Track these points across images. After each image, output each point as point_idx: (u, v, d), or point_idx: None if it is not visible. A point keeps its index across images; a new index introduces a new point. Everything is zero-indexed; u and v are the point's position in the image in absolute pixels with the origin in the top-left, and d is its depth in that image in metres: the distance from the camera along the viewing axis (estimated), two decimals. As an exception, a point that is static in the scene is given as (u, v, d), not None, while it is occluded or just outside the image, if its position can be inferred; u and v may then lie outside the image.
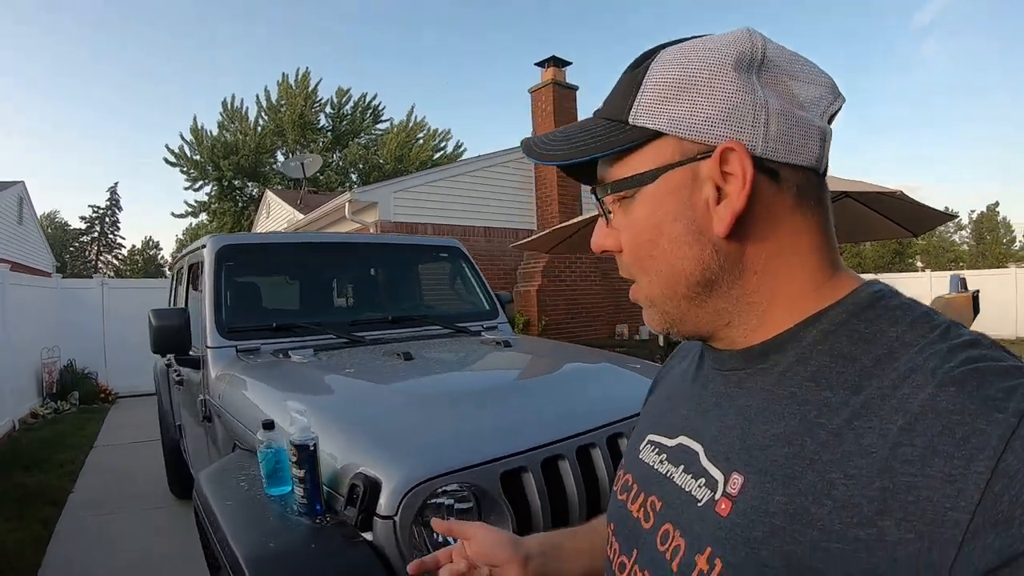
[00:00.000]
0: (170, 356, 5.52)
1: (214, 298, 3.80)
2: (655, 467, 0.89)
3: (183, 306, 4.03)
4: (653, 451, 0.92)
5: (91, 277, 16.81)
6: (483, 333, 4.35)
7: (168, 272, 10.12)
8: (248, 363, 3.47)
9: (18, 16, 76.04)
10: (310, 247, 4.50)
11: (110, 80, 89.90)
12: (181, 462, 5.77)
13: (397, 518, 1.87)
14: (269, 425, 2.21)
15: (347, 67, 79.83)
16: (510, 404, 2.61)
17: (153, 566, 4.88)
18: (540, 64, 13.87)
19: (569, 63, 13.90)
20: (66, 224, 64.13)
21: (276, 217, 20.52)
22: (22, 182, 21.56)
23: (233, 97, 36.34)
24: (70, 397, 12.03)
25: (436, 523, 1.16)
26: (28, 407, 10.99)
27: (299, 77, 35.65)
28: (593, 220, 9.13)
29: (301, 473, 2.01)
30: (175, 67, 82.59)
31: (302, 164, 16.43)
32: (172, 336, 3.71)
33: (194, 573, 4.43)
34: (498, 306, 4.81)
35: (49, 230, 58.36)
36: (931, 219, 7.25)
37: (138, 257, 68.45)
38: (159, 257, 70.34)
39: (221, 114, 36.09)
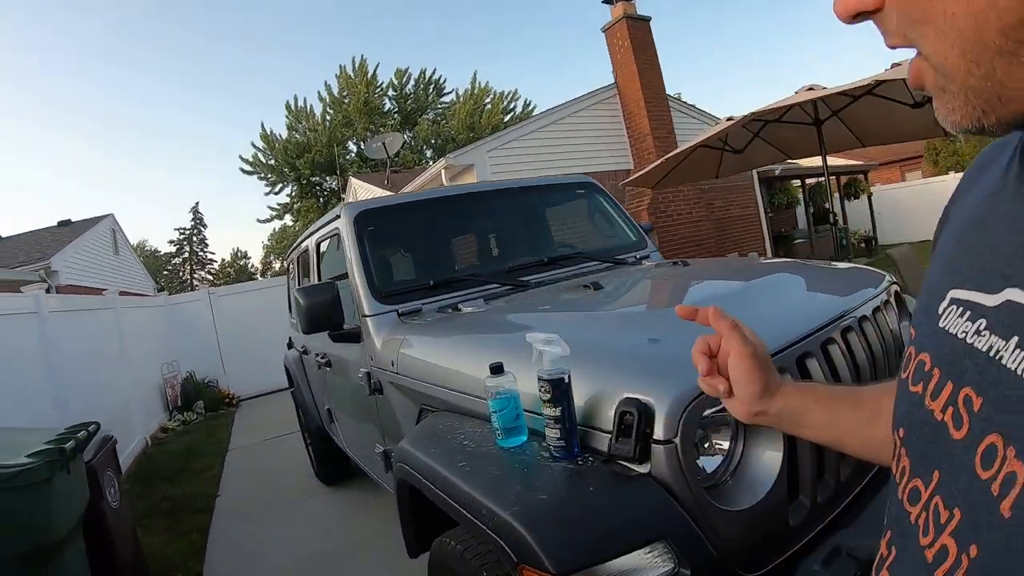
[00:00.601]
0: (304, 343, 5.46)
1: (362, 264, 3.60)
2: (968, 341, 0.57)
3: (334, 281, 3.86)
4: (962, 315, 0.60)
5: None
6: (643, 262, 4.07)
7: (283, 268, 10.09)
8: (417, 324, 3.26)
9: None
10: (446, 201, 4.25)
11: (169, 103, 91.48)
12: (330, 449, 5.65)
13: (678, 440, 1.63)
14: (498, 369, 1.97)
15: (400, 49, 79.37)
16: (739, 312, 2.33)
17: (323, 560, 4.70)
18: (607, 1, 13.35)
19: (637, -7, 13.35)
20: (156, 251, 65.90)
21: (365, 201, 20.14)
22: (111, 214, 22.17)
23: (296, 98, 36.73)
24: (195, 407, 12.27)
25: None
26: (157, 423, 11.20)
27: (357, 66, 35.91)
28: (692, 151, 8.89)
29: (556, 412, 1.76)
30: (229, 79, 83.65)
31: (384, 144, 16.35)
32: (325, 312, 3.49)
33: (372, 560, 4.42)
34: (644, 235, 4.51)
35: (141, 258, 60.12)
36: None
37: (229, 269, 70.10)
38: (249, 265, 71.93)
39: (287, 116, 36.86)
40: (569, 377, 1.78)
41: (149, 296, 18.71)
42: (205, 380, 13.16)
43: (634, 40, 12.94)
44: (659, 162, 9.20)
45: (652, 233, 4.70)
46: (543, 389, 1.77)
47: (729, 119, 7.70)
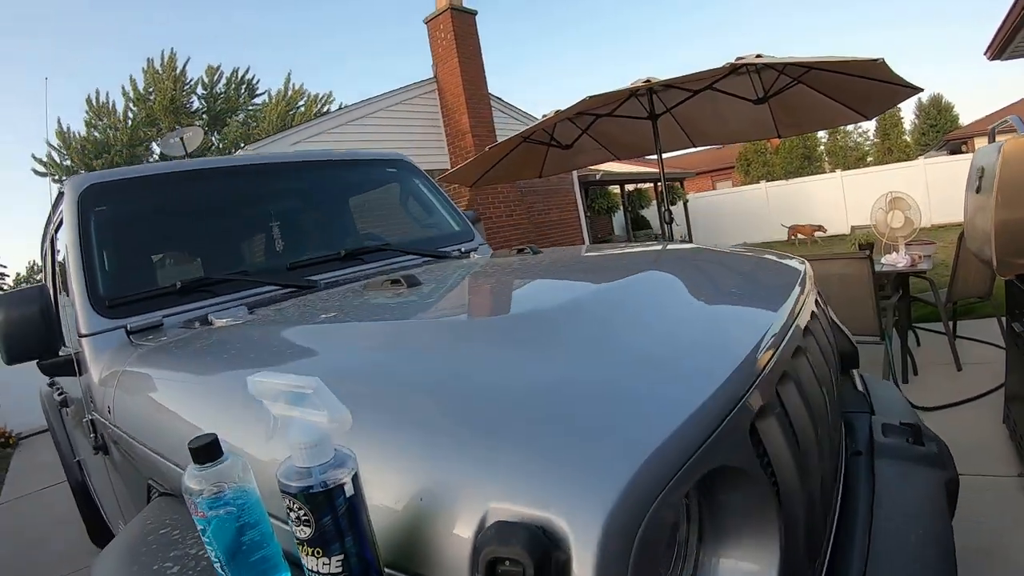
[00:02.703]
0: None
1: (83, 261, 2.56)
2: None
3: (43, 284, 2.80)
4: None
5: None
6: (471, 255, 3.25)
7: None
8: (149, 347, 2.21)
9: None
10: (212, 175, 3.19)
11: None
12: (95, 508, 4.34)
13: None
14: (207, 453, 1.00)
15: (212, 44, 75.17)
16: (649, 325, 1.47)
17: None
18: (431, -8, 12.62)
19: (463, -13, 12.65)
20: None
21: (162, 206, 18.62)
22: None
23: (97, 92, 33.64)
24: None
25: None
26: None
27: (165, 60, 33.47)
28: (515, 146, 8.22)
29: (324, 558, 0.87)
30: (20, 71, 76.78)
31: (182, 139, 14.75)
32: (28, 331, 2.46)
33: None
34: (470, 224, 3.69)
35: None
36: (888, 97, 6.71)
37: (25, 284, 64.57)
38: (47, 277, 66.62)
39: (87, 112, 33.75)
40: (355, 480, 0.89)
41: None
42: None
43: (458, 33, 12.27)
44: (479, 156, 8.46)
45: (479, 224, 3.88)
46: (291, 508, 0.87)
47: (558, 111, 7.08)
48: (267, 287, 2.68)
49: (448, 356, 1.36)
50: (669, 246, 2.68)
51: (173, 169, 3.06)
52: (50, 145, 32.91)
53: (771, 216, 23.59)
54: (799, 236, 20.65)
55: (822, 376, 1.68)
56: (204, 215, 3.15)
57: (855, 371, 2.61)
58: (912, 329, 6.56)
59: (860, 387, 2.49)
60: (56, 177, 33.02)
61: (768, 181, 25.68)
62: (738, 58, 5.89)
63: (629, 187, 20.41)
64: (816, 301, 2.07)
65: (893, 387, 2.72)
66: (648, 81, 6.55)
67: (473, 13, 12.73)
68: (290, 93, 35.80)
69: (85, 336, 2.41)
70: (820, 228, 20.41)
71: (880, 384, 2.65)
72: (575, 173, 15.58)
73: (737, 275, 2.16)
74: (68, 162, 32.72)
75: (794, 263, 2.29)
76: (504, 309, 1.87)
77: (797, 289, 1.90)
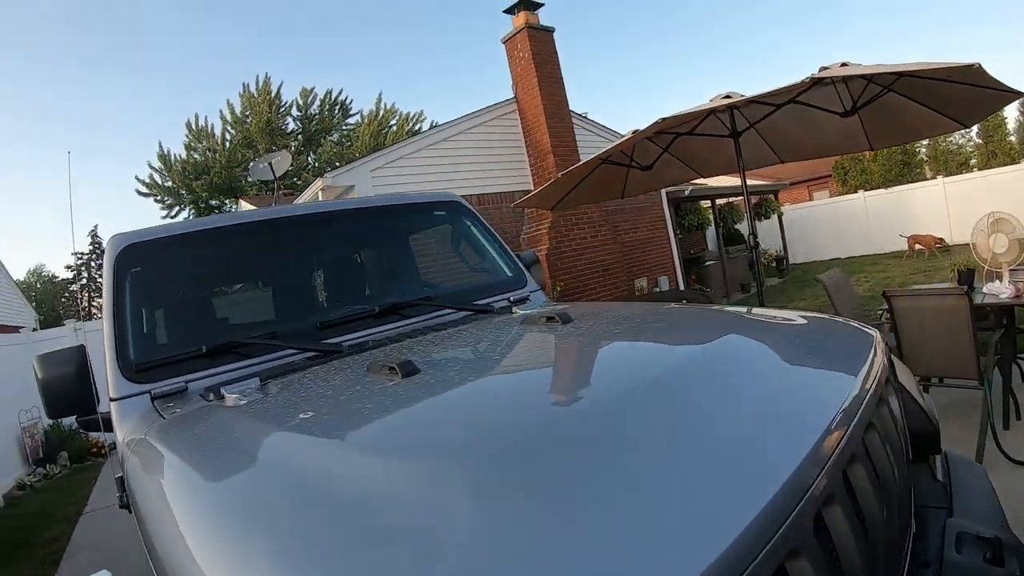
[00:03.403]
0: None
1: (116, 325, 2.60)
2: None
3: (81, 344, 2.81)
4: None
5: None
6: (514, 308, 3.08)
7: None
8: (166, 419, 2.20)
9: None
10: (250, 228, 3.15)
11: (66, 125, 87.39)
12: None
13: None
14: None
15: (306, 68, 77.16)
16: (711, 413, 1.39)
17: None
18: (509, 11, 12.49)
19: (541, 4, 12.47)
20: (54, 277, 62.88)
21: (255, 227, 19.01)
22: None
23: (197, 117, 34.99)
24: (59, 459, 11.09)
25: None
26: (13, 478, 10.19)
27: (260, 85, 34.59)
28: (599, 164, 8.02)
29: None
30: (131, 98, 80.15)
31: (270, 164, 15.12)
32: (66, 389, 2.56)
33: None
34: (523, 269, 3.53)
35: (38, 285, 57.42)
36: (989, 103, 6.08)
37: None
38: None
39: (187, 135, 35.25)
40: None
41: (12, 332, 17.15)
42: (72, 427, 11.59)
43: (535, 51, 12.08)
44: (556, 180, 8.27)
45: (536, 266, 3.71)
46: None
47: (635, 132, 6.84)
48: (292, 350, 2.60)
49: (370, 500, 1.21)
50: (727, 309, 2.47)
51: (211, 225, 3.04)
52: (152, 167, 34.30)
53: (870, 227, 22.60)
54: (918, 247, 19.57)
55: (894, 461, 1.54)
56: (241, 271, 3.15)
57: (935, 455, 2.29)
58: (1016, 363, 5.86)
59: (940, 475, 2.17)
60: (157, 197, 34.40)
61: (866, 190, 24.57)
62: (821, 69, 5.52)
63: (720, 201, 19.87)
64: (889, 375, 1.84)
65: (983, 475, 2.34)
66: (728, 97, 6.26)
67: (551, 31, 12.51)
68: (382, 113, 36.44)
69: (113, 400, 2.45)
70: (940, 241, 19.30)
71: (967, 467, 2.29)
72: (664, 190, 15.19)
73: (801, 344, 1.99)
74: (169, 183, 34.09)
75: (865, 330, 2.07)
76: (546, 399, 1.70)
77: (867, 362, 1.73)
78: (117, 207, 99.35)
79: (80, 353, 2.66)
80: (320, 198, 10.44)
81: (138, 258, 2.81)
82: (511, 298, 3.23)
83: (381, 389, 1.86)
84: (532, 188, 11.95)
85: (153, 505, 1.64)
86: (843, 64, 5.38)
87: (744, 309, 2.47)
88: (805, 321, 2.26)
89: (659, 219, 15.71)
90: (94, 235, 61.32)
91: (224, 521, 1.30)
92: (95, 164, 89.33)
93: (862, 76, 5.83)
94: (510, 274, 3.46)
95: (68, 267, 62.03)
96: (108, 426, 2.60)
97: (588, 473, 1.16)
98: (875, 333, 2.04)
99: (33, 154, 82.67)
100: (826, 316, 2.32)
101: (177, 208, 35.02)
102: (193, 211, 34.68)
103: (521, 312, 2.91)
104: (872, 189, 24.87)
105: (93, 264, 61.18)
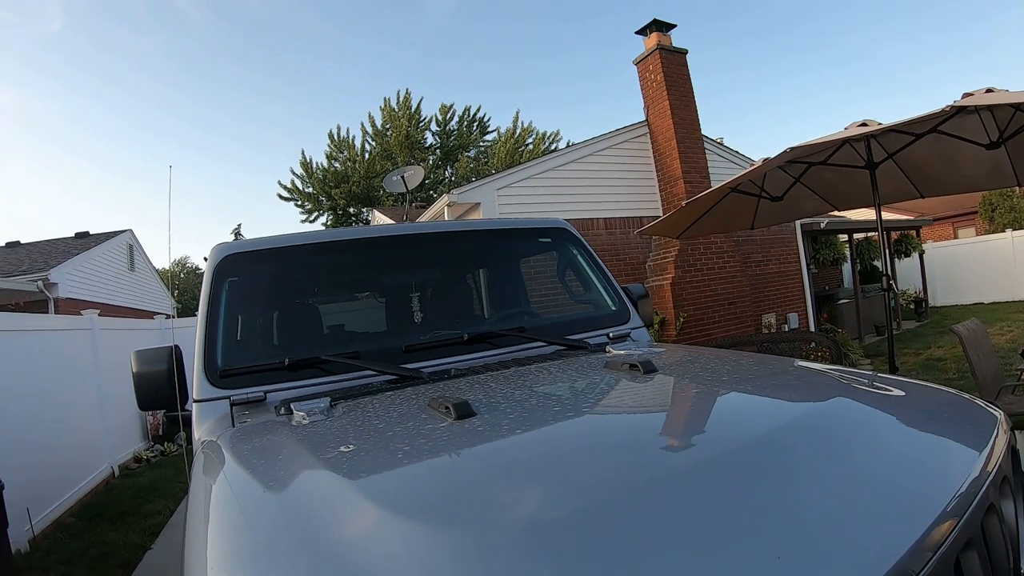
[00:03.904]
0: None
1: (207, 330, 2.69)
2: None
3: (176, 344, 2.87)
4: None
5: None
6: (610, 346, 2.92)
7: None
8: (237, 429, 2.27)
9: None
10: (351, 245, 3.16)
11: (217, 126, 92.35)
12: None
13: None
14: None
15: (446, 85, 78.82)
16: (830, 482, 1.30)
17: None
18: (641, 32, 12.34)
19: (673, 25, 12.27)
20: (197, 268, 66.71)
21: (387, 238, 19.39)
22: (130, 230, 22.32)
23: (339, 127, 36.42)
24: (176, 438, 11.71)
25: None
26: (131, 451, 10.83)
27: (401, 99, 35.60)
28: (726, 193, 7.73)
29: None
30: (275, 106, 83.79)
31: (403, 178, 15.44)
32: (157, 385, 2.68)
33: None
34: (627, 303, 3.37)
35: (182, 275, 60.96)
36: None
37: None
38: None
39: (329, 145, 36.78)
40: None
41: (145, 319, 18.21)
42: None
43: (668, 74, 11.84)
44: (681, 208, 8.04)
45: (644, 300, 3.54)
46: None
47: (765, 160, 6.55)
48: (370, 372, 2.58)
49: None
50: (838, 372, 2.26)
51: (309, 241, 3.08)
52: (294, 173, 35.76)
53: (1017, 270, 21.06)
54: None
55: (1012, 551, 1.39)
56: (334, 288, 3.17)
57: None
58: None
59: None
60: (298, 202, 35.81)
61: (1015, 229, 22.91)
62: (965, 95, 5.10)
63: (858, 236, 18.96)
64: (1010, 463, 1.62)
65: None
66: (864, 125, 5.90)
67: (683, 52, 12.24)
68: (519, 131, 36.76)
69: (196, 401, 2.55)
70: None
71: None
72: (798, 222, 14.58)
73: (914, 417, 1.80)
74: (310, 189, 35.40)
75: (989, 410, 1.84)
76: (588, 466, 1.52)
77: (989, 444, 1.56)
78: (259, 208, 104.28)
79: (172, 355, 2.73)
80: (446, 214, 10.54)
81: (236, 268, 2.88)
82: (610, 334, 3.08)
83: (429, 431, 1.78)
84: (661, 214, 11.67)
85: (197, 504, 1.72)
86: (988, 91, 4.97)
87: (856, 373, 2.24)
88: (921, 391, 2.04)
89: (792, 252, 15.09)
90: (237, 233, 64.77)
91: (227, 540, 1.38)
92: (241, 167, 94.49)
93: (1010, 104, 5.33)
94: (614, 308, 3.31)
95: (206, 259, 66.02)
96: (189, 423, 2.67)
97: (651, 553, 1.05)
98: (999, 414, 1.80)
99: (185, 154, 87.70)
100: (949, 390, 2.08)
101: (315, 213, 36.40)
102: (331, 217, 35.89)
103: (613, 352, 2.77)
104: (1021, 228, 23.28)
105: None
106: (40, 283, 15.45)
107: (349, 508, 1.36)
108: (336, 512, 1.34)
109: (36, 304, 15.94)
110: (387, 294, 3.40)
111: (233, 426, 2.30)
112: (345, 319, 3.27)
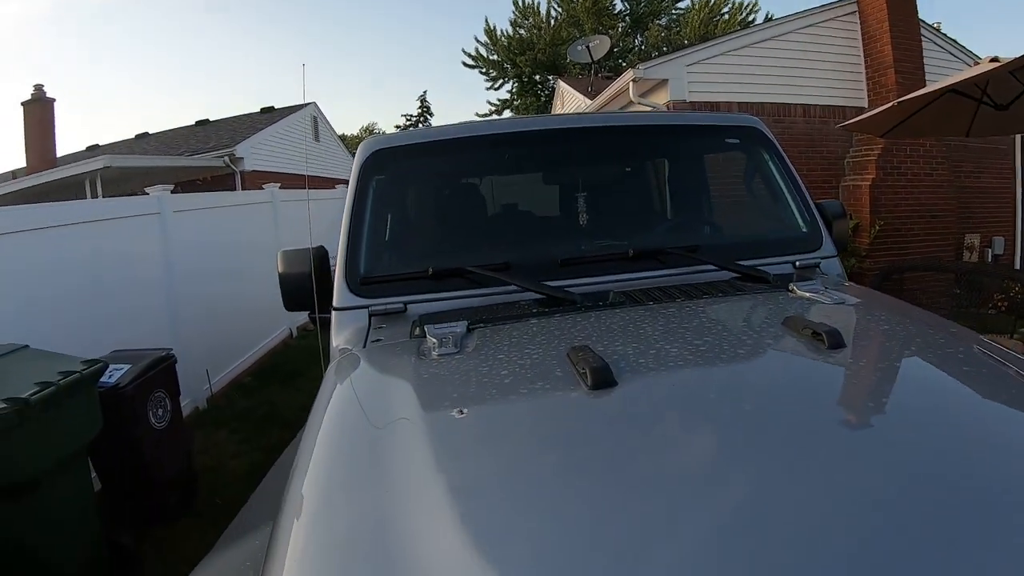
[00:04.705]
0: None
1: (351, 235, 2.59)
2: None
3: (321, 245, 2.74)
4: None
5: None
6: (794, 284, 2.38)
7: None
8: (372, 345, 2.20)
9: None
10: (503, 139, 2.84)
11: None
12: None
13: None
14: None
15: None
16: None
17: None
18: None
19: None
20: (383, 133, 68.63)
21: (570, 107, 19.53)
22: (314, 103, 23.11)
23: (525, -7, 35.63)
24: None
25: None
26: (308, 314, 11.08)
27: (589, -38, 34.01)
28: (943, 93, 6.82)
29: None
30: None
31: (588, 48, 14.94)
32: (300, 287, 2.61)
33: None
34: (820, 225, 2.86)
35: (366, 144, 63.16)
36: None
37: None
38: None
39: (514, 12, 36.24)
40: None
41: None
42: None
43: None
44: (891, 104, 7.16)
45: (841, 220, 2.99)
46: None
47: (994, 60, 5.68)
48: (519, 288, 2.35)
49: None
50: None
51: (463, 134, 2.85)
52: (478, 41, 35.56)
53: None
54: None
55: None
56: (486, 188, 2.90)
57: None
58: None
59: None
60: (483, 70, 35.84)
61: None
62: None
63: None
64: None
65: None
66: None
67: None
68: (713, 1, 34.52)
69: (336, 309, 2.51)
70: None
71: None
72: (1019, 136, 12.89)
73: None
74: (495, 57, 35.20)
75: None
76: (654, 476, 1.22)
77: None
78: (446, 75, 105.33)
79: (316, 255, 2.64)
80: (631, 90, 9.92)
81: (385, 165, 2.73)
82: (797, 263, 2.67)
83: (556, 403, 1.53)
84: (866, 106, 10.56)
85: (316, 413, 1.75)
86: None
87: None
88: None
89: (1007, 167, 13.41)
90: (423, 100, 65.85)
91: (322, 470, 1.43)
92: (430, 34, 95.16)
93: None
94: (804, 229, 2.84)
95: (397, 127, 67.51)
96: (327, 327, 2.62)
97: None
98: None
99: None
100: None
101: (501, 81, 36.34)
102: (516, 84, 35.75)
103: (797, 293, 2.29)
104: None
105: (420, 125, 65.87)
106: (226, 158, 16.37)
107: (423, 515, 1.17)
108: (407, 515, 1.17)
109: (224, 178, 17.14)
110: (547, 195, 3.10)
111: (368, 339, 2.24)
112: (500, 224, 3.01)
